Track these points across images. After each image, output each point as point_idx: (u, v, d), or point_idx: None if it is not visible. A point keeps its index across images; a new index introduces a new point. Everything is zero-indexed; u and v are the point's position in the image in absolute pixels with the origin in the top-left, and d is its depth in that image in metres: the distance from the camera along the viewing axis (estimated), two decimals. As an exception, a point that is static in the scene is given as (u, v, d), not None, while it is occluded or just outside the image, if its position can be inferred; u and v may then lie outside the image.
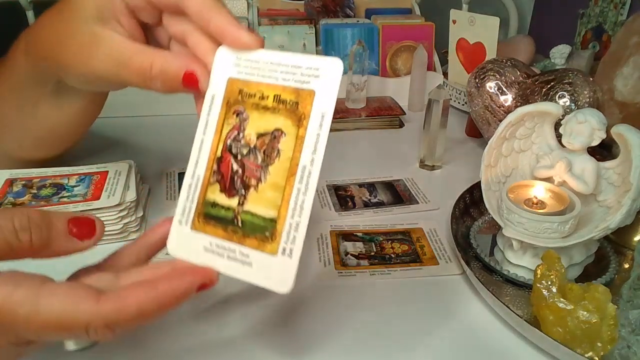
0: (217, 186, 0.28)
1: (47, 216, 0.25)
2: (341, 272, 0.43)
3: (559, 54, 0.79)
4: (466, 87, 0.67)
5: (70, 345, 0.26)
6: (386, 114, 0.78)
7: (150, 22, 0.35)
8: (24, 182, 0.51)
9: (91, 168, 0.54)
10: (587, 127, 0.42)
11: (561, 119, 0.45)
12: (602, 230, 0.39)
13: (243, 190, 0.28)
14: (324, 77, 0.27)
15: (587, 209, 0.43)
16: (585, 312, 0.33)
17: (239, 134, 0.28)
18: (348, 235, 0.49)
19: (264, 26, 0.85)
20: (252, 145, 0.28)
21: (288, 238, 0.26)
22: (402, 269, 0.44)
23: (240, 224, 0.27)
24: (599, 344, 0.33)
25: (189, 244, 0.28)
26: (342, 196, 0.57)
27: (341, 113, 0.77)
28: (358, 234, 0.49)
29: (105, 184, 0.49)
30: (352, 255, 0.46)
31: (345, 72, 0.91)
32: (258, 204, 0.27)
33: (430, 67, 0.88)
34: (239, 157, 0.28)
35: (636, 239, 0.46)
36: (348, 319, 0.38)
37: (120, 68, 0.32)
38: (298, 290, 0.41)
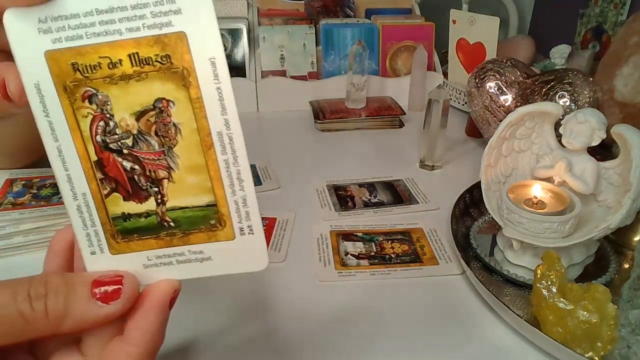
0: (117, 196, 0.22)
1: (69, 279, 0.22)
2: (341, 272, 0.43)
3: (559, 54, 0.79)
4: (466, 87, 0.67)
5: None
6: (386, 114, 0.78)
7: None
8: (24, 182, 0.51)
9: (91, 168, 0.54)
10: (587, 127, 0.42)
11: (561, 119, 0.45)
12: (602, 230, 0.39)
13: (155, 188, 0.22)
14: (189, 10, 0.20)
15: (587, 209, 0.43)
16: (585, 312, 0.33)
17: (107, 123, 0.21)
18: (348, 235, 0.49)
19: (264, 26, 0.85)
20: (134, 132, 0.21)
21: (240, 216, 0.22)
22: (402, 269, 0.44)
23: (173, 225, 0.23)
24: (599, 344, 0.33)
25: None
26: (342, 196, 0.57)
27: (341, 113, 0.77)
28: (358, 234, 0.49)
29: (105, 184, 0.49)
30: (352, 255, 0.46)
31: (345, 72, 0.91)
32: (183, 195, 0.22)
33: (430, 67, 0.88)
34: (125, 151, 0.22)
35: (636, 239, 0.46)
36: (348, 319, 0.38)
37: None
38: (298, 290, 0.41)
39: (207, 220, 0.22)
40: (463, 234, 0.48)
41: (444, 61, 0.90)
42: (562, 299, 0.34)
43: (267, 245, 0.47)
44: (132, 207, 0.23)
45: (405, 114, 0.79)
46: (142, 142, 0.22)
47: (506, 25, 1.16)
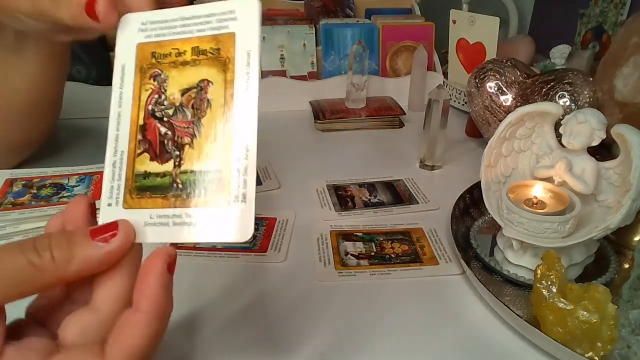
0: (146, 156, 0.26)
1: (68, 233, 0.24)
2: (341, 272, 0.43)
3: (559, 54, 0.79)
4: (466, 87, 0.67)
5: None
6: (386, 114, 0.78)
7: None
8: (24, 182, 0.51)
9: (91, 168, 0.54)
10: (587, 127, 0.42)
11: (561, 119, 0.45)
12: (602, 230, 0.39)
13: (177, 152, 0.26)
14: (241, 18, 0.26)
15: (587, 209, 0.43)
16: (585, 312, 0.33)
17: (160, 96, 0.26)
18: (348, 235, 0.49)
19: (264, 26, 0.85)
20: (177, 104, 0.26)
21: (238, 183, 0.25)
22: (402, 269, 0.44)
23: (181, 187, 0.25)
24: (599, 344, 0.33)
25: None
26: (342, 196, 0.57)
27: (341, 113, 0.77)
28: (358, 234, 0.49)
29: (105, 184, 0.49)
30: (352, 255, 0.46)
31: (345, 72, 0.91)
32: (197, 159, 0.25)
33: (430, 67, 0.88)
34: (165, 119, 0.26)
35: (636, 239, 0.46)
36: (348, 319, 0.38)
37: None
38: (298, 290, 0.41)
39: (209, 185, 0.25)
40: (463, 234, 0.48)
41: (444, 61, 0.90)
42: (562, 299, 0.34)
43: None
44: (154, 166, 0.26)
45: (405, 114, 0.79)
46: (180, 112, 0.26)
47: (506, 25, 1.16)
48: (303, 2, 0.93)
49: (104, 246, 0.24)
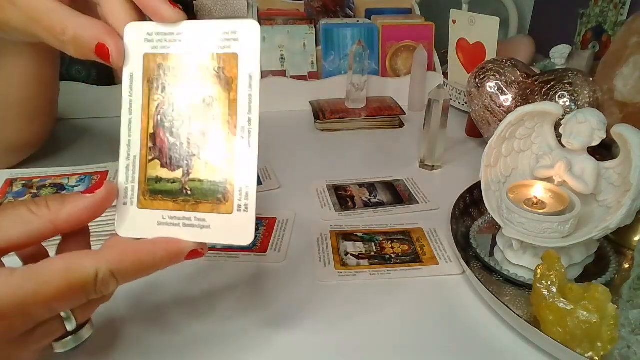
0: (157, 162, 0.29)
1: (63, 195, 0.28)
2: (341, 272, 0.43)
3: (559, 54, 0.79)
4: (466, 87, 0.67)
5: (59, 348, 0.29)
6: (386, 114, 0.78)
7: None
8: (24, 182, 0.51)
9: (91, 168, 0.54)
10: (587, 127, 0.42)
11: (561, 119, 0.45)
12: (602, 230, 0.39)
13: (186, 161, 0.28)
14: (243, 40, 0.27)
15: (587, 209, 0.43)
16: (585, 312, 0.33)
17: (168, 108, 0.28)
18: (348, 235, 0.49)
19: (264, 26, 0.85)
20: (185, 117, 0.28)
21: (241, 195, 0.27)
22: (402, 269, 0.44)
23: (190, 193, 0.28)
24: (599, 344, 0.33)
25: (139, 223, 0.29)
26: (342, 196, 0.57)
27: (341, 113, 0.77)
28: (358, 234, 0.49)
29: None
30: (352, 255, 0.46)
31: (345, 72, 0.91)
32: (204, 170, 0.28)
33: (430, 67, 0.88)
34: (174, 130, 0.28)
35: (636, 239, 0.46)
36: (348, 319, 0.38)
37: (31, 23, 0.30)
38: (298, 290, 0.41)
39: (216, 194, 0.28)
40: (463, 234, 0.48)
41: (444, 61, 0.90)
42: (562, 299, 0.34)
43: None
44: (164, 173, 0.28)
45: (405, 114, 0.79)
46: (188, 125, 0.28)
47: (506, 25, 1.16)
48: (303, 2, 0.93)
49: (90, 196, 0.27)
